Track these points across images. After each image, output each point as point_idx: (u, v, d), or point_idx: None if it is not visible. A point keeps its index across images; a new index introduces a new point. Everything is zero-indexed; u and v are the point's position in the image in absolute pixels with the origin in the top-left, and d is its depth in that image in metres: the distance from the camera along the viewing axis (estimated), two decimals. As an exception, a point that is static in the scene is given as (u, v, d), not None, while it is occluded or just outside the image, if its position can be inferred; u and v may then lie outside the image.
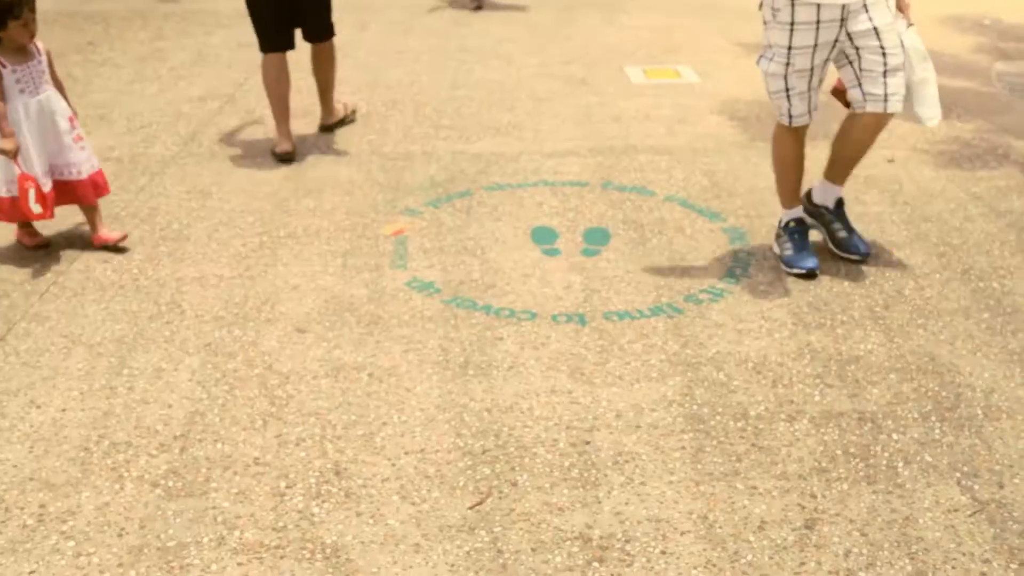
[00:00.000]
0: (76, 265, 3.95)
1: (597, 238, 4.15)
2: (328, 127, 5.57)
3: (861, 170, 4.77)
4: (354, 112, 5.80)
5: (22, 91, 3.80)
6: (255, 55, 6.79)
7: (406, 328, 3.45)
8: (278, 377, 3.18)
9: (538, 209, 4.45)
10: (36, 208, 3.77)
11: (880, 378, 3.16)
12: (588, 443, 2.85)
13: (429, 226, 4.29)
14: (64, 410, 3.02)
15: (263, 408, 3.02)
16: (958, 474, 2.73)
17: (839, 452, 2.81)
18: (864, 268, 3.88)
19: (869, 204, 4.49)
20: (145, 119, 5.83)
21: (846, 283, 3.76)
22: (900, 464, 2.77)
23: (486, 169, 4.95)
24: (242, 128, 5.62)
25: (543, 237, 4.16)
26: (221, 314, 3.57)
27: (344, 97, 5.98)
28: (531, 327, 3.46)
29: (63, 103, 3.96)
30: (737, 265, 3.91)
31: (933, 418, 2.97)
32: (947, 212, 4.42)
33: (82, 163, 4.01)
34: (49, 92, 3.90)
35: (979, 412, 3.00)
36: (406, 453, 2.81)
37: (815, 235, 3.98)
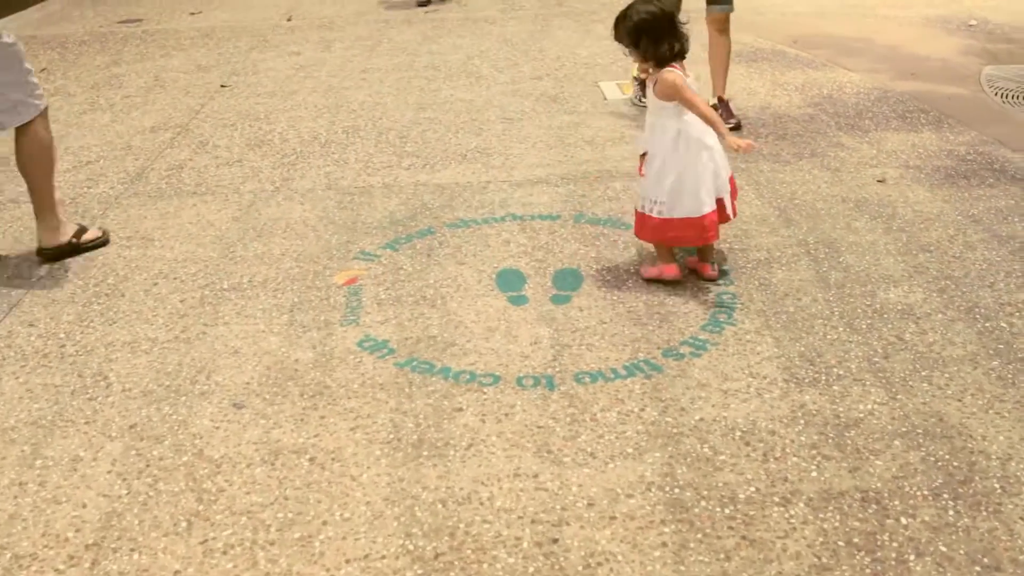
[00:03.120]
0: (-3, 331, 3.60)
1: (568, 282, 3.81)
2: None
3: (851, 192, 4.46)
4: None
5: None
6: (213, 79, 6.50)
7: (354, 399, 3.11)
8: (208, 466, 2.83)
9: (505, 249, 4.10)
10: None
11: (883, 446, 2.82)
12: (556, 541, 2.50)
13: (386, 272, 3.94)
14: (-37, 515, 2.67)
15: (189, 506, 2.67)
16: (978, 568, 2.39)
17: (841, 543, 2.47)
18: (860, 310, 3.54)
19: (861, 232, 4.15)
20: (93, 154, 5.48)
21: (840, 329, 3.42)
22: (911, 556, 2.43)
23: (450, 202, 4.60)
24: (192, 160, 5.27)
25: (510, 282, 3.81)
26: (151, 387, 3.21)
27: (303, 124, 5.66)
28: (494, 394, 3.11)
29: None
30: (721, 310, 3.57)
31: (945, 495, 2.63)
32: (946, 239, 4.08)
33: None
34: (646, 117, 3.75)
35: (996, 486, 2.66)
36: (347, 561, 2.46)
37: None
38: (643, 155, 3.74)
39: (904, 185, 4.66)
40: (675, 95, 3.56)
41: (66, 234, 4.17)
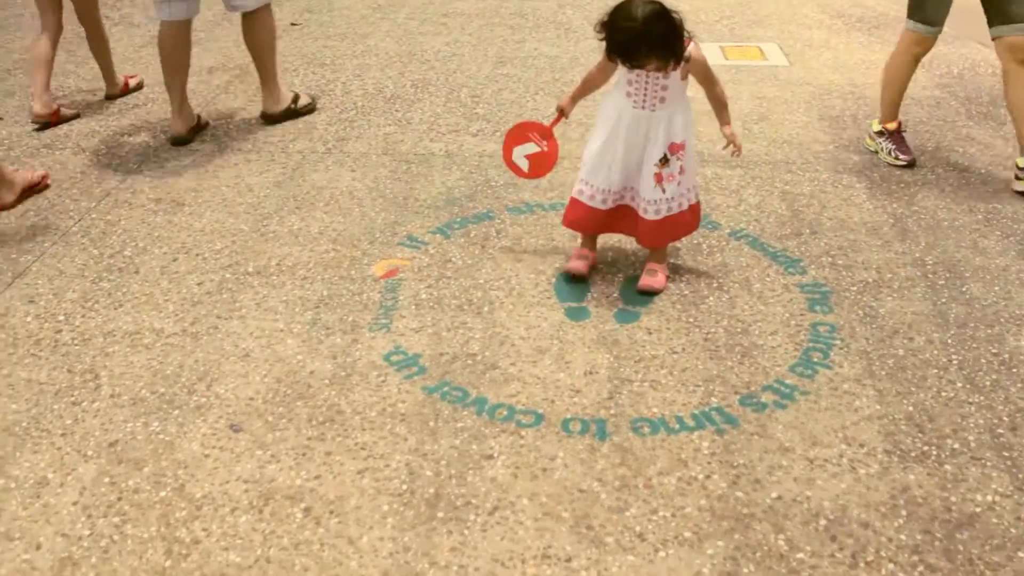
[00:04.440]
0: (-7, 305, 3.22)
1: (638, 294, 3.27)
2: None
3: (980, 201, 3.81)
4: None
5: (628, 95, 3.12)
6: (284, 15, 6.13)
7: (369, 432, 2.64)
8: (187, 506, 2.40)
9: (572, 244, 3.58)
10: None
11: (1004, 558, 2.26)
12: (581, 658, 2.02)
13: (431, 264, 3.45)
14: (-102, 549, 2.29)
15: (155, 561, 2.25)
16: None
17: None
18: (984, 360, 2.95)
19: (990, 254, 3.52)
20: (141, 96, 5.08)
21: (959, 384, 2.84)
22: None
23: (516, 180, 4.07)
24: (245, 110, 4.83)
25: (571, 289, 3.30)
26: (143, 394, 2.80)
27: (369, 73, 5.17)
28: (532, 440, 2.62)
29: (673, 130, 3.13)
30: (815, 347, 3.00)
31: (1082, 640, 2.07)
32: (1095, 270, 3.43)
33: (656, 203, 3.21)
34: (664, 112, 3.11)
35: None
36: (324, 663, 2.01)
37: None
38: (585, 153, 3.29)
39: (1046, 194, 3.98)
40: (708, 70, 3.14)
41: (286, 100, 4.66)
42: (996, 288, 3.31)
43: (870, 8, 6.48)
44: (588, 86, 3.32)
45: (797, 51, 5.68)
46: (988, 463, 2.54)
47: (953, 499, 2.43)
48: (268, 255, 3.52)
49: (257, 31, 4.48)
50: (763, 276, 3.38)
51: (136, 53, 5.71)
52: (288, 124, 4.68)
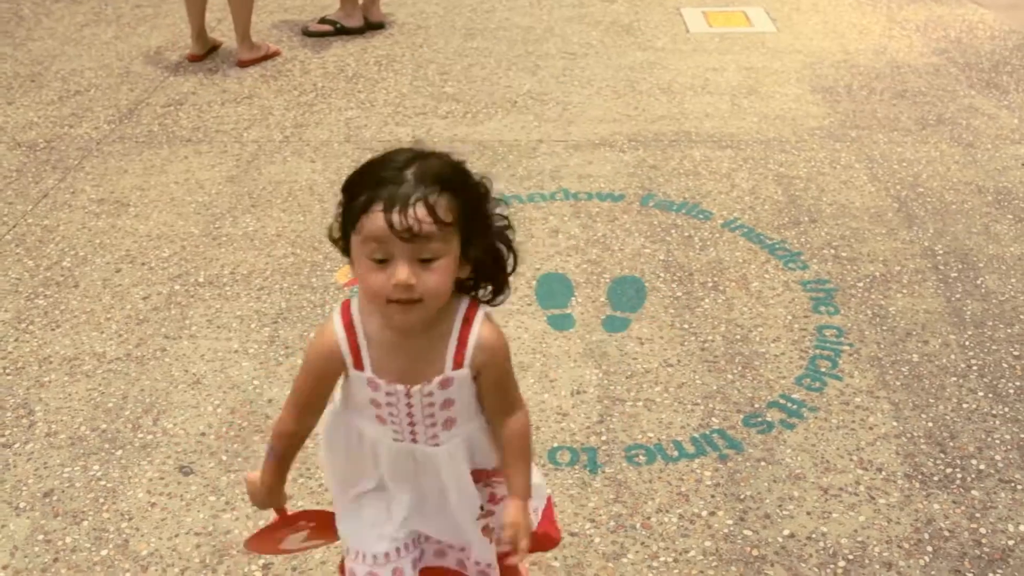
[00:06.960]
0: (-85, 330, 2.92)
1: (628, 297, 3.01)
2: None
3: (988, 179, 3.55)
4: None
5: (380, 420, 1.59)
6: None
7: (335, 471, 2.36)
8: (132, 566, 2.14)
9: (551, 242, 3.30)
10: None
11: (1047, 603, 2.02)
12: None
13: (401, 269, 3.16)
14: None
15: (92, 638, 1.98)
16: None
17: None
18: (1006, 363, 2.71)
19: (1003, 240, 3.27)
20: (84, 81, 4.73)
21: (980, 393, 2.60)
22: None
23: (491, 168, 3.79)
24: (195, 94, 4.50)
25: (553, 294, 3.03)
26: (83, 431, 2.51)
27: (330, 50, 4.85)
28: (516, 475, 2.34)
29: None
30: (822, 353, 2.75)
31: None
32: (1115, 255, 3.19)
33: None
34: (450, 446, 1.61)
35: None
36: None
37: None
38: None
39: (1056, 170, 3.74)
40: (509, 367, 1.64)
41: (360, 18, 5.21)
42: (1013, 280, 3.07)
43: (856, -33, 6.19)
44: (293, 434, 1.68)
45: (784, 15, 5.39)
46: (1018, 486, 2.31)
47: (983, 531, 2.19)
48: (221, 262, 3.22)
49: None
50: (761, 273, 3.12)
51: (77, 32, 5.34)
52: (243, 109, 4.36)
